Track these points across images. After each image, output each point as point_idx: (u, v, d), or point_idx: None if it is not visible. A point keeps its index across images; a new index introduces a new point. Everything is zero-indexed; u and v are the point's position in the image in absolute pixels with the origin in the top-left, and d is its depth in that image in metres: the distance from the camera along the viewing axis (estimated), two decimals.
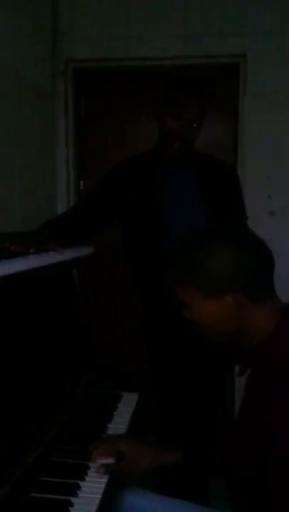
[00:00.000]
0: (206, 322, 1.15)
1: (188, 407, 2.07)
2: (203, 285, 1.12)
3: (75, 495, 1.19)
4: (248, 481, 1.15)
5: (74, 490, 1.20)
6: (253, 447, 1.11)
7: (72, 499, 1.17)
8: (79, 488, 1.22)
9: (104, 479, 1.26)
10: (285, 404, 1.02)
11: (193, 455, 1.33)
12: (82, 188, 3.01)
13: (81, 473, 1.28)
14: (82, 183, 3.02)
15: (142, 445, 1.36)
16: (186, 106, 1.94)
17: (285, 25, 2.73)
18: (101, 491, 1.22)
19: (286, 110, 2.76)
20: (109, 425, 1.56)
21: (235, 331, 1.14)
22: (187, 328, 1.21)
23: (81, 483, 1.23)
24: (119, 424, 1.58)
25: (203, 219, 1.98)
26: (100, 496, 1.20)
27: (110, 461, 1.31)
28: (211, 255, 1.12)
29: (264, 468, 1.05)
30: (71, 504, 1.16)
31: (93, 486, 1.23)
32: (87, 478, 1.26)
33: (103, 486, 1.24)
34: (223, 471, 1.27)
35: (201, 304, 1.13)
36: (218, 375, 2.09)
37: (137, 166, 2.10)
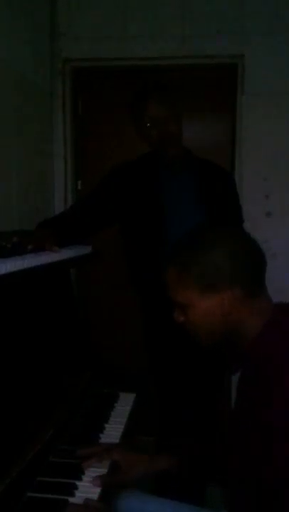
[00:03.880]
0: (200, 321, 1.15)
1: (187, 405, 2.08)
2: (201, 279, 1.12)
3: (72, 495, 1.19)
4: (246, 481, 1.15)
5: (71, 490, 1.20)
6: (251, 447, 1.11)
7: (70, 499, 1.17)
8: (76, 488, 1.22)
9: (105, 471, 1.27)
10: (285, 404, 1.02)
11: (191, 458, 1.34)
12: (79, 187, 3.01)
13: (78, 472, 1.27)
14: (79, 182, 3.02)
15: (134, 453, 1.34)
16: (151, 108, 1.96)
17: (283, 25, 2.73)
18: (98, 491, 1.22)
19: (284, 110, 2.76)
20: (106, 425, 1.56)
21: (229, 330, 1.14)
22: (183, 332, 1.21)
23: (78, 483, 1.23)
24: (116, 423, 1.58)
25: (203, 220, 1.99)
26: (96, 496, 1.20)
27: (103, 470, 1.29)
28: (208, 248, 1.13)
29: (263, 469, 1.05)
30: (68, 504, 1.15)
31: (90, 486, 1.23)
32: (84, 477, 1.26)
33: None
34: (222, 471, 1.27)
35: (198, 301, 1.13)
36: (216, 373, 2.10)
37: (137, 167, 2.11)
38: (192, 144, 2.21)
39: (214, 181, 2.07)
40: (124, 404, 1.72)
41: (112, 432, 1.53)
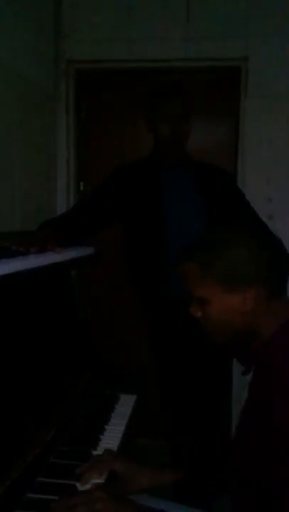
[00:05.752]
0: (218, 318, 1.13)
1: (187, 405, 2.08)
2: (225, 277, 1.11)
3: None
4: (247, 481, 1.15)
5: (72, 491, 1.20)
6: (251, 447, 1.11)
7: None
8: (76, 489, 1.21)
9: (102, 481, 1.26)
10: (285, 404, 1.02)
11: (191, 458, 1.33)
12: (82, 188, 3.01)
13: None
14: (82, 184, 3.02)
15: (138, 464, 1.28)
16: (172, 108, 2.02)
17: (287, 27, 2.73)
18: None
19: (287, 113, 2.76)
20: (106, 426, 1.56)
21: (244, 329, 1.13)
22: (192, 326, 1.20)
23: (79, 485, 1.23)
24: (116, 425, 1.57)
25: (204, 220, 2.00)
26: None
27: (101, 480, 1.23)
28: (233, 246, 1.12)
29: (264, 469, 1.05)
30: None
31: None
32: None
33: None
34: (222, 472, 1.27)
35: (219, 298, 1.12)
36: (218, 373, 2.11)
37: (138, 168, 2.13)
38: (195, 147, 2.22)
39: (214, 181, 2.10)
40: (125, 405, 1.72)
41: (112, 433, 1.52)
